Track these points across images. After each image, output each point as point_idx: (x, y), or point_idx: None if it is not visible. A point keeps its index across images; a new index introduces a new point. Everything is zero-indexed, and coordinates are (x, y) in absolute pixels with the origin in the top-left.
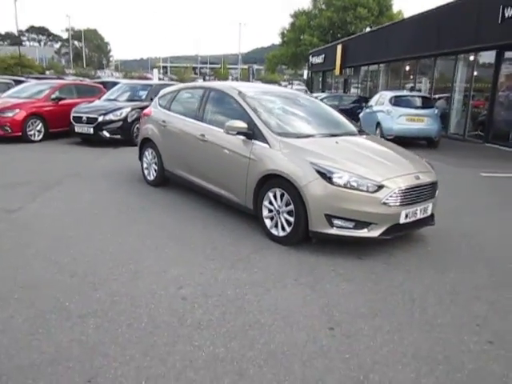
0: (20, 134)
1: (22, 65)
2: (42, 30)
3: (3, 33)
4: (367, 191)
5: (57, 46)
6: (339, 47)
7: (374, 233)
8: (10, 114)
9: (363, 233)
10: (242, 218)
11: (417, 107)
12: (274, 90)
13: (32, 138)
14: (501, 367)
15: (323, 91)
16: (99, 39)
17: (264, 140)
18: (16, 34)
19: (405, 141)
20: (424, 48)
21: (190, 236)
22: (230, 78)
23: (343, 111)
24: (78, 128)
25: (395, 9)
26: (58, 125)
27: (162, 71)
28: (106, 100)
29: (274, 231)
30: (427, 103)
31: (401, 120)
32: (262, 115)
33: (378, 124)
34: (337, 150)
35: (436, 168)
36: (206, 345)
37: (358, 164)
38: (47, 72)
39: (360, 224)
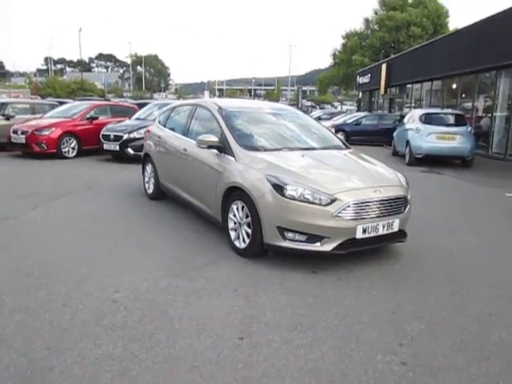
0: (55, 150)
1: (84, 89)
2: (109, 57)
3: (75, 60)
4: (319, 204)
5: (121, 71)
6: (384, 66)
7: (327, 247)
8: (46, 133)
9: (316, 247)
10: (221, 232)
11: (448, 125)
12: (260, 106)
13: (66, 155)
14: None
15: (370, 111)
16: (159, 64)
17: (231, 153)
18: (87, 61)
19: (437, 159)
20: (465, 63)
21: (159, 246)
22: (283, 98)
23: (382, 131)
24: (106, 145)
25: (451, 26)
26: (91, 142)
27: (217, 93)
28: (135, 119)
29: (236, 243)
30: (460, 121)
31: (430, 138)
32: (233, 130)
33: (408, 142)
34: (298, 164)
35: (455, 186)
36: (106, 344)
37: (315, 177)
38: (109, 95)
39: (312, 237)
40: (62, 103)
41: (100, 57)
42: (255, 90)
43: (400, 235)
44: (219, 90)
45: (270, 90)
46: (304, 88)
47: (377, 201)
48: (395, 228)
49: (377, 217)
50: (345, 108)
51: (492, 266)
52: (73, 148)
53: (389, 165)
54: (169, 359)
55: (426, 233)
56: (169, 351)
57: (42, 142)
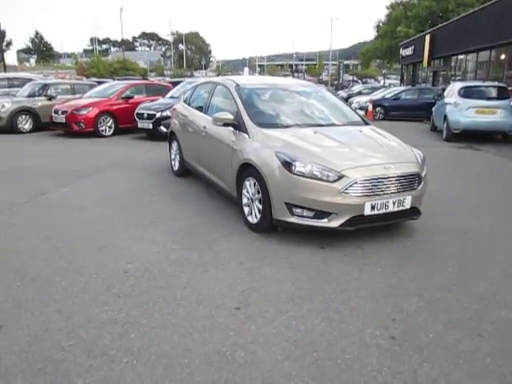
0: (92, 129)
1: (126, 68)
2: (152, 36)
3: (119, 40)
4: (327, 181)
5: (163, 49)
6: (427, 37)
7: (335, 223)
8: (84, 112)
9: (323, 223)
10: (239, 208)
11: (489, 98)
12: (281, 83)
13: (103, 134)
14: (379, 363)
15: (413, 85)
16: (200, 41)
17: (245, 130)
18: (130, 40)
19: (476, 135)
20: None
21: (177, 220)
22: (324, 73)
23: (422, 106)
24: (140, 124)
25: None
26: (126, 121)
27: (258, 69)
28: (169, 97)
29: (249, 218)
30: (502, 94)
31: (469, 112)
32: (248, 107)
33: (446, 117)
34: (309, 140)
35: (492, 163)
36: (112, 310)
37: (324, 154)
38: (151, 74)
39: (320, 214)
40: (100, 83)
41: (143, 36)
42: (296, 65)
43: (413, 213)
44: (260, 65)
45: (311, 64)
46: (347, 62)
47: (386, 177)
48: (407, 205)
49: (386, 193)
50: (388, 82)
51: (507, 247)
52: (109, 127)
53: (425, 140)
54: (166, 325)
55: (448, 212)
56: (167, 318)
57: (80, 121)
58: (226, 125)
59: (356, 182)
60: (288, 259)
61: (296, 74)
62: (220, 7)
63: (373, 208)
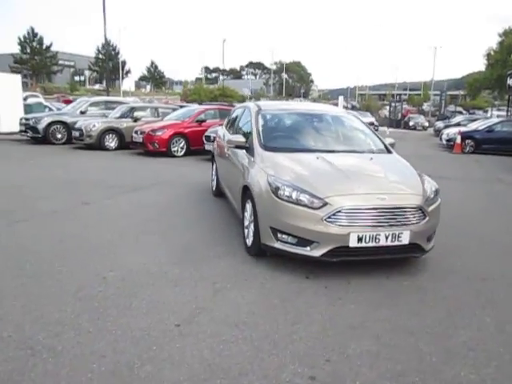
0: (165, 149)
1: (225, 95)
2: (257, 65)
3: (228, 69)
4: (310, 207)
5: (266, 77)
6: None
7: (316, 252)
8: (159, 133)
9: (305, 251)
10: None
11: None
12: (304, 108)
13: (175, 154)
14: None
15: None
16: (302, 70)
17: (253, 153)
18: (238, 69)
19: None
20: None
21: (183, 237)
22: (428, 103)
23: None
24: (207, 146)
25: None
26: (198, 143)
27: (357, 99)
28: None
29: (247, 241)
30: None
31: None
32: (261, 131)
33: None
34: (306, 166)
35: None
36: (65, 311)
37: (314, 180)
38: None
39: (302, 241)
40: (182, 107)
41: (250, 65)
42: (399, 94)
43: (413, 249)
44: (361, 95)
45: (414, 94)
46: (455, 92)
47: (376, 208)
48: (404, 241)
49: (376, 226)
50: (496, 114)
51: None
52: (181, 147)
53: None
54: (101, 331)
55: (489, 254)
56: (107, 325)
57: (154, 141)
58: (238, 147)
59: (340, 211)
60: (263, 285)
61: (394, 104)
62: (324, 37)
63: (360, 240)
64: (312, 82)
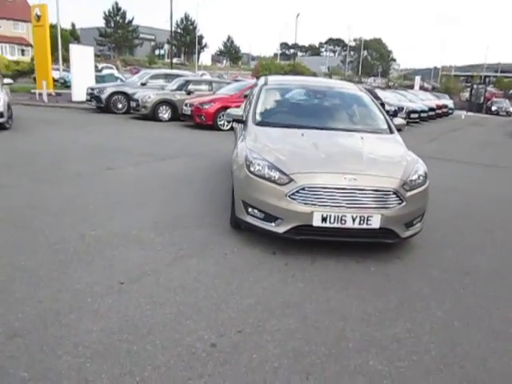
0: (211, 123)
1: (295, 71)
2: (337, 42)
3: (306, 45)
4: (277, 183)
5: (344, 54)
6: None
7: (280, 229)
8: (206, 107)
9: (270, 226)
10: None
11: None
12: (313, 83)
13: (221, 127)
14: (167, 361)
15: None
16: (382, 48)
17: (246, 127)
18: (317, 45)
19: None
20: None
21: (183, 205)
22: None
23: None
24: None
25: None
26: None
27: (442, 80)
28: None
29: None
30: None
31: None
32: (259, 105)
33: None
34: (288, 142)
35: None
36: (31, 259)
37: (288, 157)
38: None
39: (269, 217)
40: (236, 81)
41: (329, 42)
42: (487, 76)
43: (385, 234)
44: (445, 76)
45: (504, 77)
46: None
47: (342, 188)
48: (374, 225)
49: (342, 206)
50: None
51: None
52: (228, 121)
53: None
54: (55, 279)
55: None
56: (63, 276)
57: (202, 114)
58: (235, 121)
59: (303, 189)
60: (225, 256)
61: (476, 87)
62: (409, 13)
63: (324, 220)
64: (394, 60)
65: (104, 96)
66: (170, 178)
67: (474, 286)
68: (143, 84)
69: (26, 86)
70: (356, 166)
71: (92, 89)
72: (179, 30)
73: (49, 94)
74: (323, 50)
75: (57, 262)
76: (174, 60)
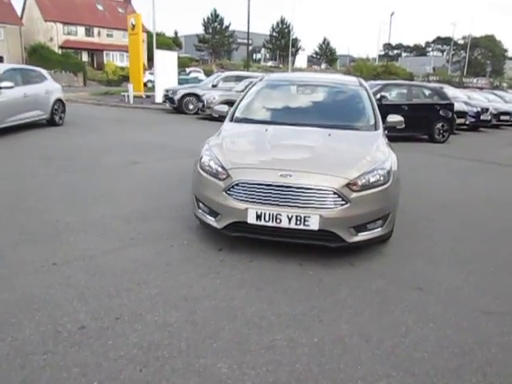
0: None
1: (388, 72)
2: (446, 40)
3: (411, 45)
4: (218, 178)
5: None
6: None
7: (219, 224)
8: None
9: (212, 221)
10: None
11: None
12: (309, 79)
13: None
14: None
15: None
16: (495, 45)
17: (222, 124)
18: (423, 45)
19: None
20: None
21: (176, 196)
22: None
23: None
24: None
25: None
26: None
27: None
28: None
29: None
30: None
31: None
32: (243, 101)
33: None
34: (246, 137)
35: None
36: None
37: (235, 152)
38: (433, 78)
39: (212, 212)
40: None
41: (437, 40)
42: None
43: (326, 237)
44: None
45: None
46: None
47: (275, 185)
48: (312, 226)
49: (275, 205)
50: None
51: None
52: None
53: None
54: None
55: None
56: (14, 249)
57: None
58: (220, 117)
59: (237, 184)
60: (169, 249)
61: None
62: None
63: (259, 217)
64: (510, 59)
65: (177, 97)
66: (187, 175)
67: (417, 302)
68: (214, 86)
69: (121, 89)
70: (299, 163)
71: (167, 91)
72: (274, 34)
73: (138, 97)
74: (430, 49)
75: (16, 240)
76: (269, 63)
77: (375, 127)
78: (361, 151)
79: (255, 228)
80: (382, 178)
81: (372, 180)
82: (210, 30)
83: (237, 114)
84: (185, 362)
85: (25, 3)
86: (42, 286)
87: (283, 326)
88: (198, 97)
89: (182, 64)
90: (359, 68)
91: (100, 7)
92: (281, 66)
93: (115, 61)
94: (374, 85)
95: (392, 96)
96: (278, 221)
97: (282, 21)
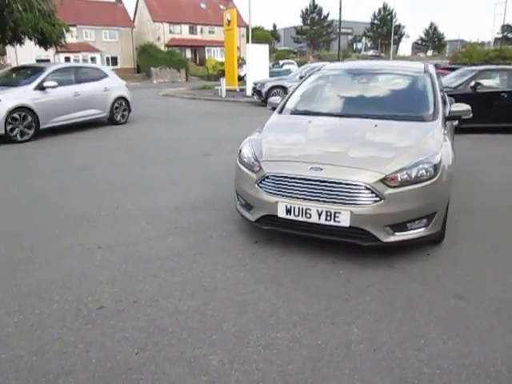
0: None
1: (503, 56)
2: None
3: None
4: (252, 170)
5: None
6: None
7: (252, 217)
8: None
9: (247, 214)
10: None
11: None
12: (372, 67)
13: None
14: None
15: None
16: None
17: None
18: None
19: None
20: None
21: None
22: None
23: None
24: None
25: None
26: None
27: None
28: None
29: None
30: None
31: None
32: (295, 92)
33: None
34: (288, 129)
35: None
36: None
37: (273, 144)
38: None
39: (247, 205)
40: None
41: None
42: None
43: (358, 235)
44: None
45: None
46: None
47: (305, 179)
48: (343, 222)
49: (305, 199)
50: None
51: None
52: None
53: None
54: (57, 235)
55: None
56: (65, 232)
57: None
58: (273, 109)
59: (268, 177)
60: (208, 239)
61: None
62: None
63: (288, 211)
64: None
65: (264, 90)
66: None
67: (451, 312)
68: (301, 77)
69: (217, 84)
70: (332, 157)
71: (255, 84)
72: (376, 21)
73: (232, 90)
74: None
75: (76, 225)
76: (370, 52)
77: (433, 117)
78: (406, 143)
79: (286, 222)
80: (426, 173)
81: (415, 175)
82: (309, 21)
83: (286, 106)
84: (180, 350)
85: (137, 6)
86: (82, 268)
87: (290, 325)
88: (285, 89)
89: (279, 56)
90: (468, 53)
91: (203, 5)
92: (382, 54)
93: (216, 56)
94: (469, 71)
95: (491, 83)
96: (308, 215)
97: (385, 7)
